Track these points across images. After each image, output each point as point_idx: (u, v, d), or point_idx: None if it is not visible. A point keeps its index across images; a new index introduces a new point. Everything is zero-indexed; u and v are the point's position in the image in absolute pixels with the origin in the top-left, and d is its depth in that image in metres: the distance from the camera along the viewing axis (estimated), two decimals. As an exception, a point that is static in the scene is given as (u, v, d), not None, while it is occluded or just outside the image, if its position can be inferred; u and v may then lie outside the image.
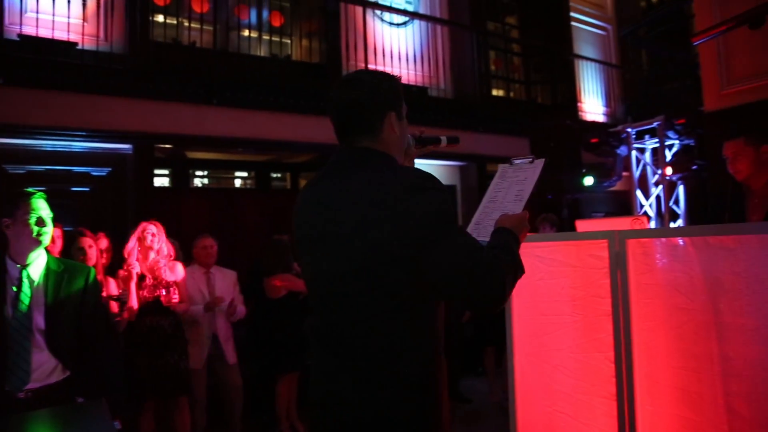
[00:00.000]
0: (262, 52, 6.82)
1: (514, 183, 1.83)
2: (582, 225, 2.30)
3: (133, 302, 3.61)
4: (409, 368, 1.41)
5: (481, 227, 1.78)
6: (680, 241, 1.87)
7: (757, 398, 1.71)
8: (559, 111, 9.00)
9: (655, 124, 3.92)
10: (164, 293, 3.77)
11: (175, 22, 6.04)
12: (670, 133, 3.86)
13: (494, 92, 9.11)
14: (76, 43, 5.10)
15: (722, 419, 1.78)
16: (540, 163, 1.80)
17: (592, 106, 9.88)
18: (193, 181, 7.26)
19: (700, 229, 1.74)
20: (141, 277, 3.76)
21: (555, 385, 2.37)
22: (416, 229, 1.36)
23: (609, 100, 10.13)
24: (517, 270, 1.50)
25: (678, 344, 1.92)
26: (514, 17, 10.10)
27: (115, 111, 5.27)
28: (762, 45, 3.14)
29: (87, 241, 3.69)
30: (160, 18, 6.08)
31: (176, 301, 3.83)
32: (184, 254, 4.46)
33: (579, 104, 9.54)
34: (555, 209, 4.70)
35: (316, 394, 1.52)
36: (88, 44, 5.19)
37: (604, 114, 10.03)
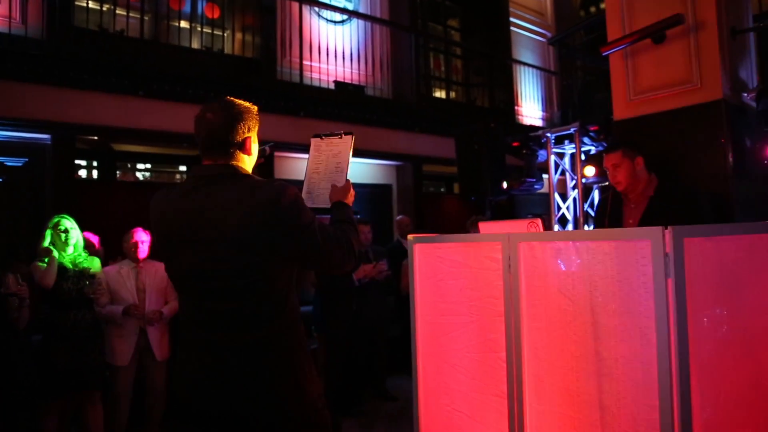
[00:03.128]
0: (195, 44, 6.66)
1: (331, 156, 2.15)
2: (484, 227, 2.34)
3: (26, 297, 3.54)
4: (277, 333, 1.74)
5: (314, 195, 2.15)
6: (565, 245, 1.93)
7: (625, 395, 1.78)
8: (497, 114, 9.19)
9: (572, 129, 4.06)
10: (88, 285, 3.76)
11: (100, 8, 5.80)
12: (586, 139, 4.01)
13: (434, 94, 9.21)
14: (-15, 25, 4.85)
15: (596, 416, 1.85)
16: (349, 138, 2.13)
17: (530, 111, 10.14)
18: (128, 174, 7.01)
19: (581, 234, 1.80)
20: (64, 270, 3.69)
21: (454, 384, 2.41)
22: (276, 218, 1.69)
23: (546, 105, 10.42)
24: (357, 231, 1.95)
25: (562, 345, 1.97)
26: (456, 20, 10.24)
27: (30, 99, 5.03)
28: (665, 58, 3.28)
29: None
30: (83, 2, 5.83)
31: (101, 294, 3.83)
32: (111, 249, 4.32)
33: (517, 108, 9.77)
34: (479, 211, 4.80)
35: (193, 370, 1.77)
36: (0, 26, 4.93)
37: (541, 119, 10.31)
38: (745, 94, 3.37)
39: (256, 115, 1.93)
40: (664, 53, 3.32)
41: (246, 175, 1.83)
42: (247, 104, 1.90)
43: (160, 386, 4.24)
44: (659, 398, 1.69)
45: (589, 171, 3.85)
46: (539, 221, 2.13)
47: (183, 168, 7.22)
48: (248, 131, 1.87)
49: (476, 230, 4.32)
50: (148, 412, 4.27)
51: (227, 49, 6.92)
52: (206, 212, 1.71)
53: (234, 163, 1.84)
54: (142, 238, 4.28)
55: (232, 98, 1.88)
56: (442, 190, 9.70)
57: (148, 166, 7.24)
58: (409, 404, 2.65)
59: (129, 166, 7.09)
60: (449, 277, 2.36)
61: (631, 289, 1.77)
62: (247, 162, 1.90)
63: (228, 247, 1.67)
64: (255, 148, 1.92)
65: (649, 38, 3.21)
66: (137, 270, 4.25)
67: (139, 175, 7.23)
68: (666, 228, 1.67)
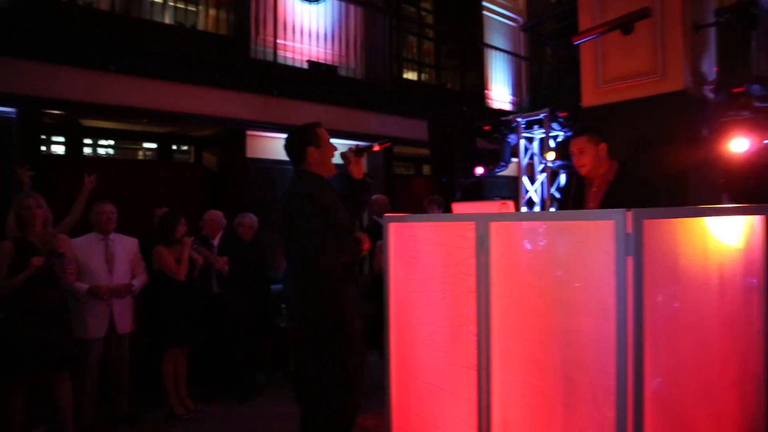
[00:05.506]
0: (167, 19, 6.55)
1: None
2: (457, 207, 2.45)
3: None
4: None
5: None
6: (534, 225, 2.05)
7: (585, 365, 1.92)
8: (468, 97, 9.31)
9: (541, 115, 4.19)
10: (57, 264, 3.68)
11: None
12: (555, 125, 4.15)
13: (406, 75, 9.26)
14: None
15: (559, 384, 1.99)
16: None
17: (500, 95, 10.29)
18: (95, 150, 6.89)
19: (549, 215, 1.91)
20: (32, 248, 3.64)
21: (425, 358, 2.53)
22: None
23: (516, 90, 10.59)
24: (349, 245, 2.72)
25: (529, 318, 2.10)
26: (429, 2, 10.27)
27: (-5, 70, 4.90)
28: (632, 49, 3.42)
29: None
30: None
31: (70, 272, 3.76)
32: (80, 225, 4.30)
33: (487, 92, 9.90)
34: (450, 192, 4.92)
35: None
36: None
37: (511, 103, 10.47)
38: (705, 86, 3.55)
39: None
40: (631, 44, 3.46)
41: None
42: None
43: (123, 357, 4.28)
44: (616, 366, 1.84)
45: (550, 156, 4.00)
46: (511, 203, 2.25)
47: (154, 145, 7.14)
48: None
49: (433, 210, 4.44)
50: (116, 385, 4.30)
51: (200, 26, 6.84)
52: None
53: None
54: (111, 210, 4.28)
55: None
56: (412, 171, 9.81)
57: (112, 142, 7.12)
58: (381, 380, 2.76)
59: (97, 142, 6.97)
60: (423, 255, 2.47)
61: (594, 267, 1.90)
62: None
63: None
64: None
65: (618, 29, 3.34)
66: (106, 242, 4.26)
67: (102, 151, 7.11)
68: (628, 210, 1.80)
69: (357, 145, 2.93)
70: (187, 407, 4.49)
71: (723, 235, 2.05)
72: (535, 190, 4.21)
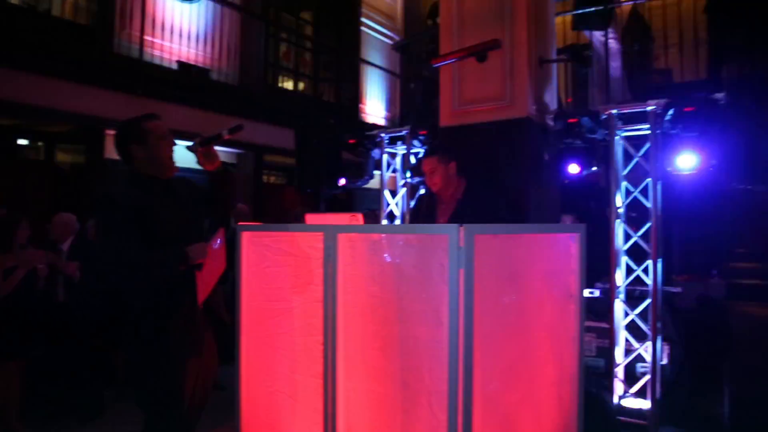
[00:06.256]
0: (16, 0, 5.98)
1: None
2: (310, 218, 2.48)
3: None
4: None
5: None
6: (379, 238, 2.14)
7: (421, 372, 2.03)
8: (343, 110, 9.45)
9: (403, 132, 4.38)
10: None
11: None
12: (416, 142, 4.36)
13: (281, 84, 9.21)
14: None
15: (398, 391, 2.09)
16: None
17: (374, 109, 10.56)
18: None
19: (393, 228, 2.01)
20: None
21: (276, 366, 2.53)
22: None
23: (390, 105, 10.92)
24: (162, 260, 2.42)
25: (372, 328, 2.19)
26: (309, 13, 10.32)
27: None
28: (485, 76, 3.70)
29: None
30: None
31: None
32: None
33: (362, 106, 10.12)
34: (315, 203, 4.97)
35: None
36: None
37: (384, 118, 10.78)
38: (547, 115, 3.91)
39: None
40: (485, 71, 3.72)
41: None
42: None
43: None
44: (448, 371, 1.97)
45: (409, 173, 4.22)
46: (360, 215, 2.32)
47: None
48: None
49: (301, 220, 4.48)
50: None
51: (55, 11, 6.30)
52: None
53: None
54: None
55: None
56: (283, 181, 9.74)
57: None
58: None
59: None
60: (275, 265, 2.47)
61: (430, 278, 2.02)
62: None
63: None
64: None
65: (473, 57, 3.59)
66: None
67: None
68: (461, 225, 1.94)
69: (201, 136, 2.57)
70: (15, 432, 4.06)
71: (545, 250, 2.27)
72: (396, 204, 4.40)
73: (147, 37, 6.58)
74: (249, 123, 7.50)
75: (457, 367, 1.95)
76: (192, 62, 7.20)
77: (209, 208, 2.73)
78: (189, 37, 7.14)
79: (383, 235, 2.12)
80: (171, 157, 2.55)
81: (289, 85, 9.52)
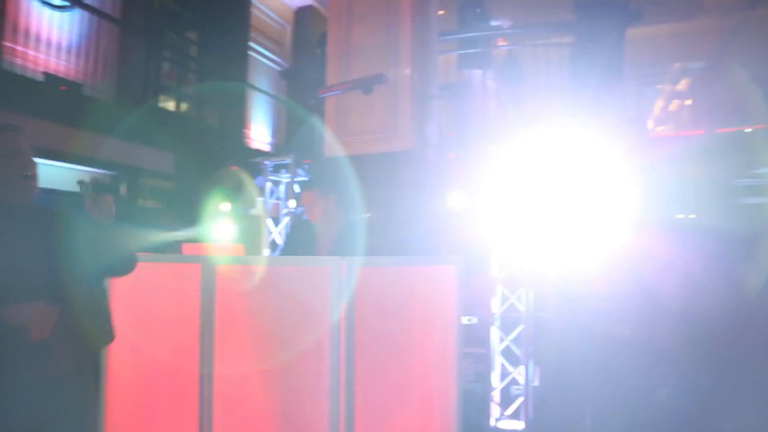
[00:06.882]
0: None
1: None
2: (188, 248, 2.37)
3: None
4: None
5: None
6: (260, 269, 2.09)
7: (304, 405, 2.00)
8: (228, 135, 9.21)
9: (287, 160, 4.36)
10: None
11: None
12: (300, 171, 4.35)
13: (163, 105, 8.80)
14: None
15: (279, 426, 2.03)
16: None
17: (260, 135, 10.40)
18: None
19: (275, 259, 1.97)
20: None
21: (148, 408, 2.36)
22: None
23: (276, 132, 10.82)
24: None
25: (252, 363, 2.12)
26: (195, 33, 9.99)
27: None
28: (371, 109, 3.79)
29: None
30: None
31: None
32: None
33: (247, 131, 9.92)
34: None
35: None
36: None
37: (270, 144, 10.64)
38: (429, 148, 4.08)
39: None
40: (371, 103, 3.83)
41: None
42: None
43: None
44: (329, 405, 1.95)
45: (292, 203, 4.20)
46: (241, 246, 2.26)
47: None
48: None
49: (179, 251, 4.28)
50: None
51: None
52: None
53: None
54: None
55: None
56: (161, 205, 9.21)
57: None
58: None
59: None
60: (147, 297, 2.33)
61: (313, 310, 2.01)
62: None
63: None
64: None
65: (359, 89, 3.67)
66: None
67: None
68: (343, 258, 1.95)
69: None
70: None
71: (425, 281, 2.34)
72: (279, 233, 4.33)
73: (6, 43, 6.02)
74: (125, 143, 7.09)
75: (339, 399, 1.94)
76: (61, 75, 6.68)
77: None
78: (60, 48, 6.63)
79: (265, 266, 2.07)
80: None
81: (170, 106, 9.11)
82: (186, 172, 4.59)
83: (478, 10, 4.92)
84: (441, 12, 4.64)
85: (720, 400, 2.72)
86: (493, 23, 5.22)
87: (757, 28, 9.62)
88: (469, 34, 5.02)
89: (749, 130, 8.59)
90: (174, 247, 3.37)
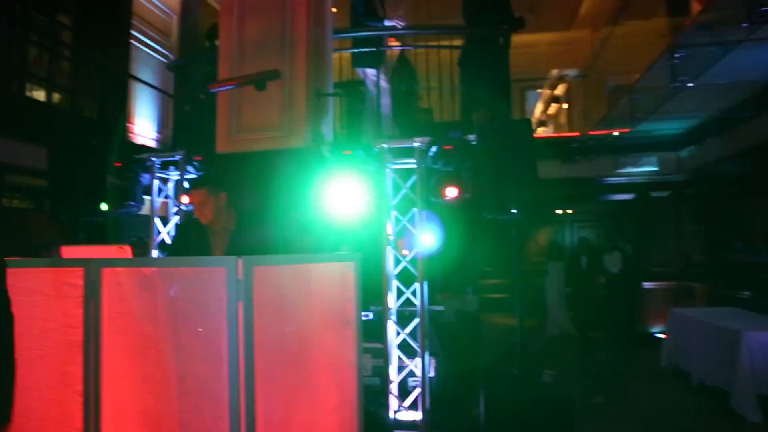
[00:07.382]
0: None
1: None
2: (67, 251, 2.19)
3: None
4: None
5: None
6: (150, 272, 1.98)
7: (201, 411, 1.93)
8: (107, 129, 8.58)
9: (177, 157, 4.16)
10: None
11: None
12: (190, 168, 4.17)
13: (31, 94, 8.05)
14: None
15: (175, 435, 1.94)
16: None
17: (145, 130, 9.82)
18: None
19: (166, 261, 1.88)
20: None
21: (24, 429, 2.15)
22: None
23: (162, 127, 10.26)
24: None
25: (143, 370, 2.01)
26: (68, 17, 9.21)
27: None
28: (264, 105, 3.72)
29: None
30: None
31: None
32: None
33: (130, 125, 9.33)
34: (72, 233, 4.38)
35: None
36: None
37: (155, 140, 10.07)
38: (324, 146, 4.06)
39: None
40: (264, 100, 3.73)
41: None
42: None
43: None
44: (229, 410, 1.89)
45: (185, 200, 4.02)
46: (128, 248, 2.14)
47: None
48: None
49: (52, 252, 3.94)
50: None
51: None
52: None
53: None
54: None
55: None
56: (30, 206, 8.41)
57: None
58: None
59: None
60: (21, 306, 2.12)
61: (209, 312, 1.94)
62: None
63: None
64: None
65: (252, 85, 3.57)
66: None
67: None
68: (239, 258, 1.90)
69: None
70: None
71: (323, 279, 2.34)
72: (168, 232, 4.12)
73: None
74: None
75: (239, 402, 1.89)
76: None
77: None
78: None
79: (155, 269, 1.97)
80: None
81: (40, 95, 8.34)
82: (61, 169, 4.23)
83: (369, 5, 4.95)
84: (334, 9, 4.63)
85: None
86: (387, 23, 5.29)
87: (622, 41, 10.66)
88: (362, 33, 5.05)
89: (616, 134, 9.49)
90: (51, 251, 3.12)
